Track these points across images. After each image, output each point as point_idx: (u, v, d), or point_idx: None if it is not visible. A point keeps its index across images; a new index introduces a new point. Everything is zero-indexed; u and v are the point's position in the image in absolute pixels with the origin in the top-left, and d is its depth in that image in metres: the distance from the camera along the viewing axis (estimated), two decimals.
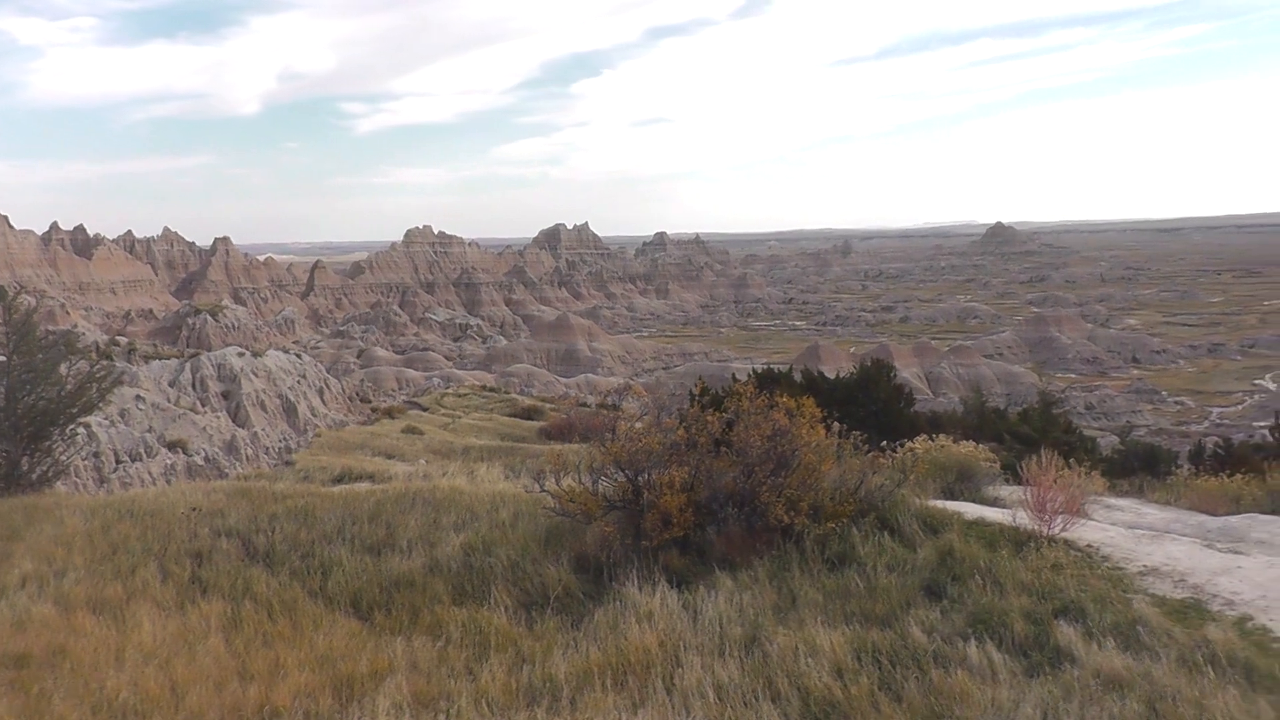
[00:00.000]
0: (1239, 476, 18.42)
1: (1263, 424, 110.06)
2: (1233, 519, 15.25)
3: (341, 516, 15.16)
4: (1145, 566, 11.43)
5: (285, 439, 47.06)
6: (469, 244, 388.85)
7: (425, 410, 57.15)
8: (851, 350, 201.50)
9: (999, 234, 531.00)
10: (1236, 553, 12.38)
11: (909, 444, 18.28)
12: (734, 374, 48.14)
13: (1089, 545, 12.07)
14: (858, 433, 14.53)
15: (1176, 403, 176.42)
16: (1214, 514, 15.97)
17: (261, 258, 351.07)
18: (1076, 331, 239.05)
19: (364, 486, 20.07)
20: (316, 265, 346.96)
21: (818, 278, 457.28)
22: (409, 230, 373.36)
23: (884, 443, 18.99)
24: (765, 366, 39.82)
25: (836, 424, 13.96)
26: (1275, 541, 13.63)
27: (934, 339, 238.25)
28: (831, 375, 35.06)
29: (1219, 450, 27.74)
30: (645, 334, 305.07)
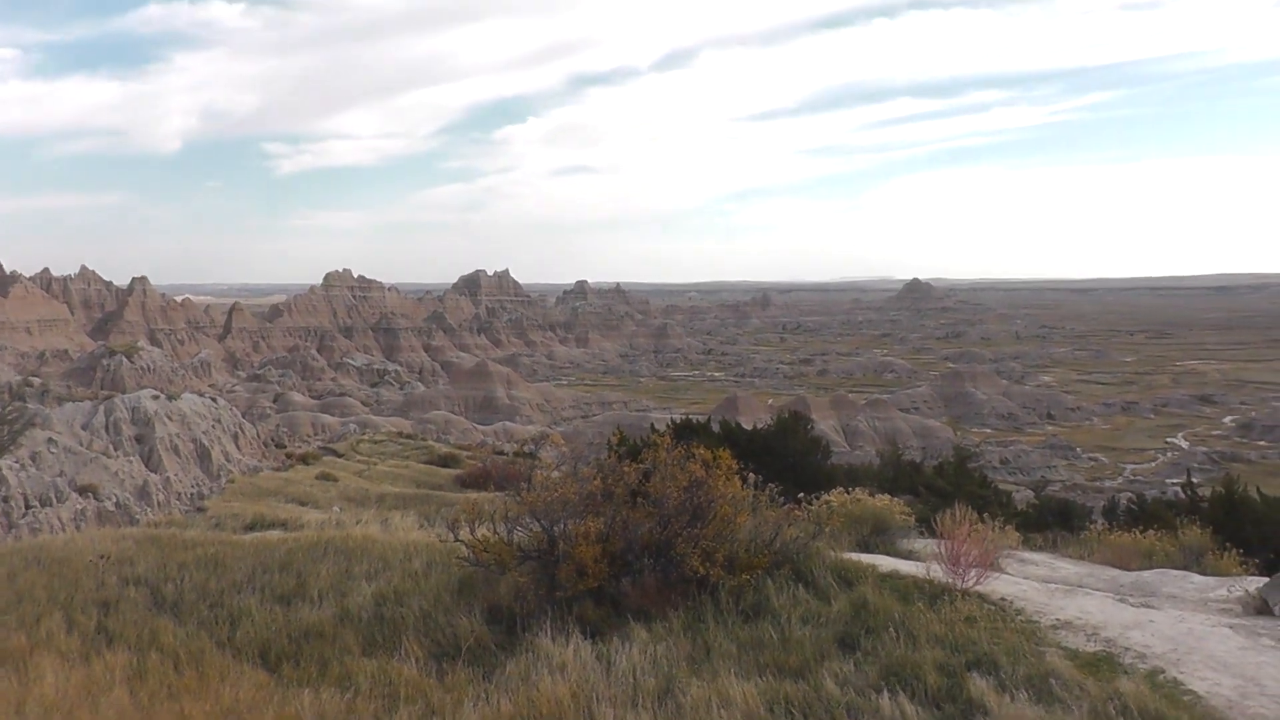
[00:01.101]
0: (1152, 532, 18.63)
1: (1175, 481, 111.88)
2: (1145, 574, 15.42)
3: (252, 565, 14.95)
4: (1059, 620, 11.49)
5: (198, 485, 46.38)
6: (388, 289, 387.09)
7: (340, 457, 56.56)
8: (769, 402, 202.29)
9: (916, 290, 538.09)
10: (1149, 607, 12.50)
11: (825, 496, 18.33)
12: (653, 424, 48.11)
13: (1003, 598, 12.12)
14: (774, 485, 14.54)
15: (1090, 459, 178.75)
16: (1127, 569, 16.14)
17: (179, 298, 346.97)
18: (992, 387, 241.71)
19: (276, 534, 19.82)
20: (234, 307, 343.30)
21: (737, 329, 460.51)
22: (328, 274, 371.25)
23: (800, 495, 19.04)
24: (684, 417, 39.82)
25: (753, 475, 13.97)
26: (1187, 596, 13.80)
27: (851, 392, 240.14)
28: (749, 426, 35.13)
29: (1132, 506, 28.06)
30: (564, 382, 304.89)
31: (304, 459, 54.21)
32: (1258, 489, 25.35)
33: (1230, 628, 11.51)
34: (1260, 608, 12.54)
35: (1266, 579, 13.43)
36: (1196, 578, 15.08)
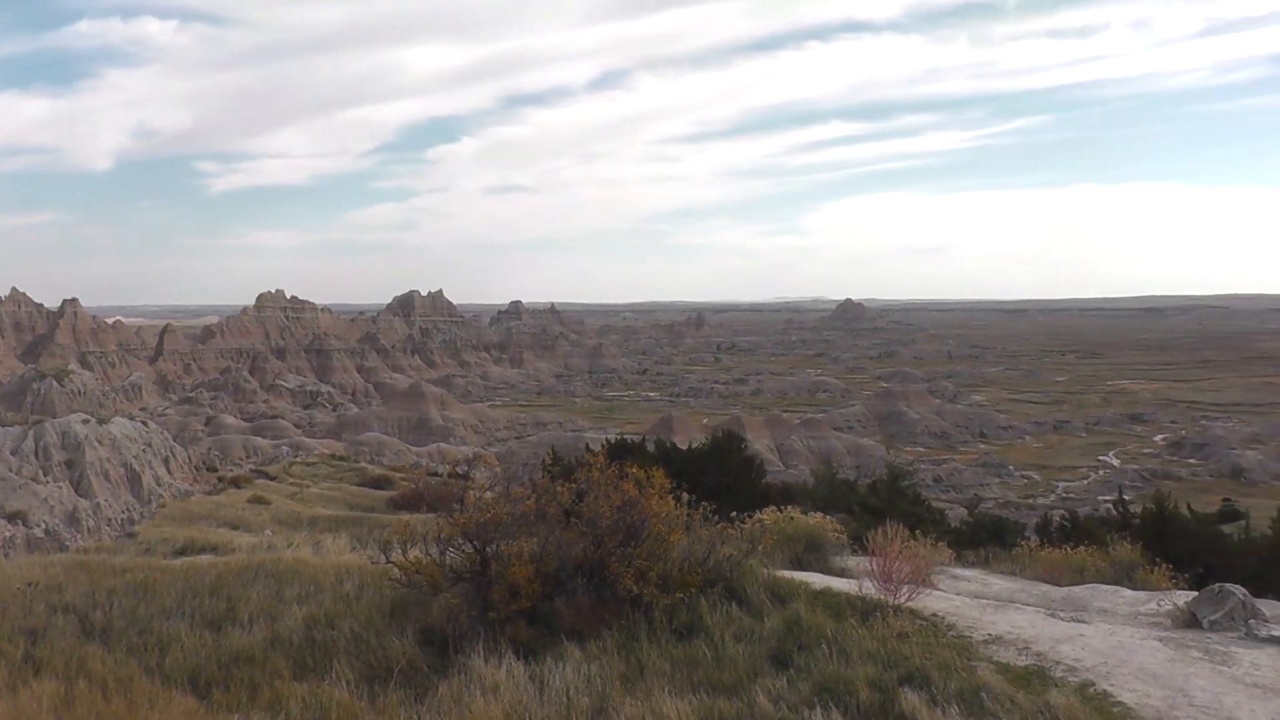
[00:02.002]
0: (1083, 548, 18.82)
1: (1107, 498, 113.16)
2: (1076, 589, 15.57)
3: (182, 590, 14.75)
4: (990, 635, 11.58)
5: (128, 510, 45.70)
6: (321, 309, 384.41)
7: (273, 479, 55.99)
8: (704, 421, 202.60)
9: (849, 310, 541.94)
10: (1079, 621, 12.62)
11: (759, 515, 18.37)
12: (587, 444, 48.03)
13: (935, 614, 12.19)
14: (708, 503, 14.56)
15: (1023, 476, 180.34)
16: (1058, 584, 16.29)
17: (110, 320, 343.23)
18: (925, 406, 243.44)
19: (206, 559, 19.60)
20: (166, 329, 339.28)
21: (671, 349, 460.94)
22: (261, 294, 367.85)
23: (734, 513, 19.06)
24: (619, 437, 39.85)
25: (686, 494, 13.98)
26: (1116, 610, 13.94)
27: (785, 411, 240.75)
28: (684, 446, 35.20)
29: (1065, 523, 28.31)
30: (499, 403, 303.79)
31: (236, 482, 53.62)
32: (1188, 505, 25.72)
33: (1160, 641, 11.65)
34: (1189, 621, 12.69)
35: (1196, 593, 13.58)
36: (1127, 592, 15.25)
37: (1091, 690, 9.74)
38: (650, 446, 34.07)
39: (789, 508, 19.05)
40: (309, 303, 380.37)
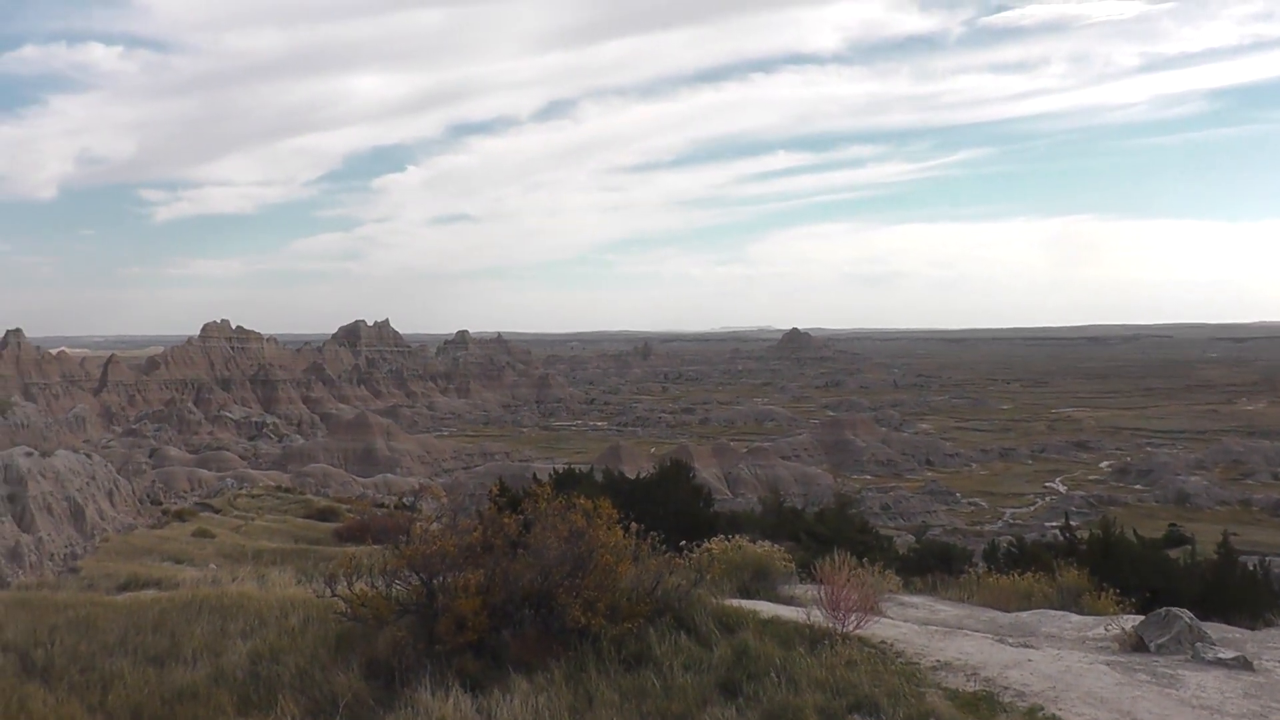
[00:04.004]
0: (1030, 574, 18.91)
1: (1054, 524, 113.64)
2: (1024, 614, 15.64)
3: (125, 626, 14.54)
4: (939, 661, 11.61)
5: (71, 545, 45.13)
6: (267, 339, 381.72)
7: (217, 512, 55.47)
8: (652, 451, 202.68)
9: (795, 339, 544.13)
10: (1027, 646, 12.67)
11: (707, 544, 18.33)
12: (535, 474, 47.92)
13: (883, 641, 12.21)
14: (656, 533, 14.51)
15: (970, 503, 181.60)
16: (1006, 610, 16.36)
17: (54, 351, 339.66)
18: (871, 435, 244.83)
19: (150, 594, 19.36)
20: (110, 360, 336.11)
21: (619, 379, 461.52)
22: (206, 324, 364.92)
23: (682, 543, 19.01)
24: (566, 467, 39.73)
25: (635, 525, 13.94)
26: (1064, 635, 14.01)
27: (733, 440, 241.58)
28: (632, 475, 35.12)
29: (1012, 549, 28.39)
30: (445, 433, 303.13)
31: (180, 515, 53.10)
32: (1134, 530, 25.90)
33: (1107, 665, 11.72)
34: (1136, 645, 12.77)
35: (1142, 617, 13.67)
36: (1074, 617, 15.34)
37: (1040, 715, 9.79)
38: (598, 476, 33.99)
39: (737, 537, 19.01)
40: (254, 333, 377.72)
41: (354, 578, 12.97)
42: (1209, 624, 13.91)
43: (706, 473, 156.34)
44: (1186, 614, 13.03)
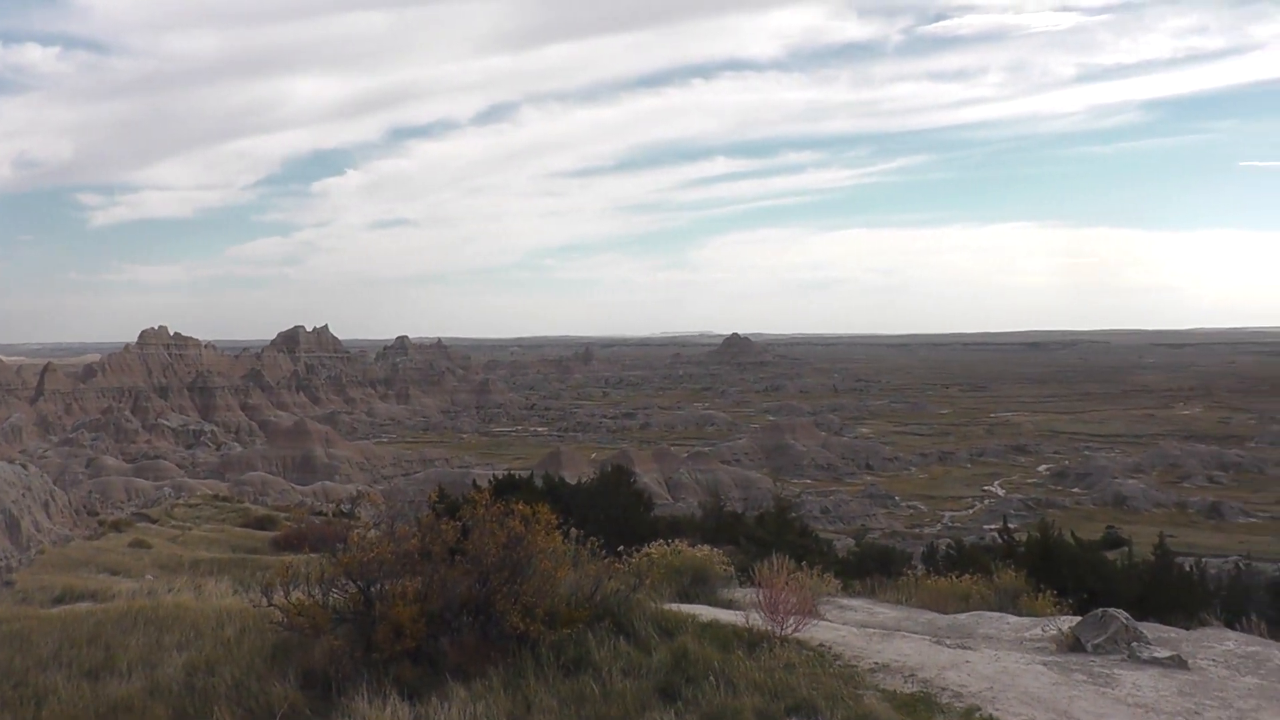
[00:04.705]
0: (968, 576, 19.03)
1: (992, 527, 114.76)
2: (961, 616, 15.73)
3: (59, 639, 14.34)
4: (877, 663, 11.65)
5: (6, 557, 44.48)
6: (205, 346, 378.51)
7: (154, 522, 54.89)
8: (593, 456, 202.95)
9: (735, 344, 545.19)
10: (965, 648, 12.74)
11: (646, 548, 18.34)
12: (475, 480, 47.78)
13: (821, 644, 12.24)
14: (596, 538, 14.50)
15: (910, 507, 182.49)
16: (944, 612, 16.44)
17: None
18: (811, 439, 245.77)
19: (85, 606, 19.12)
20: (47, 368, 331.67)
21: (559, 384, 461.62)
22: (144, 331, 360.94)
23: (622, 548, 19.02)
24: (506, 472, 39.67)
25: (574, 530, 13.92)
26: (1001, 636, 14.10)
27: (673, 445, 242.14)
28: (573, 481, 35.15)
29: (950, 551, 28.59)
30: (385, 440, 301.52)
31: (117, 526, 52.49)
32: (1072, 532, 26.13)
33: (1044, 665, 11.82)
34: (1073, 645, 12.87)
35: (1080, 618, 13.79)
36: (1012, 618, 15.44)
37: (977, 715, 9.84)
38: (538, 482, 33.98)
39: (677, 541, 19.03)
40: (192, 339, 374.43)
41: (291, 587, 12.85)
42: (1145, 624, 14.03)
43: (647, 477, 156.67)
44: (1123, 614, 13.15)
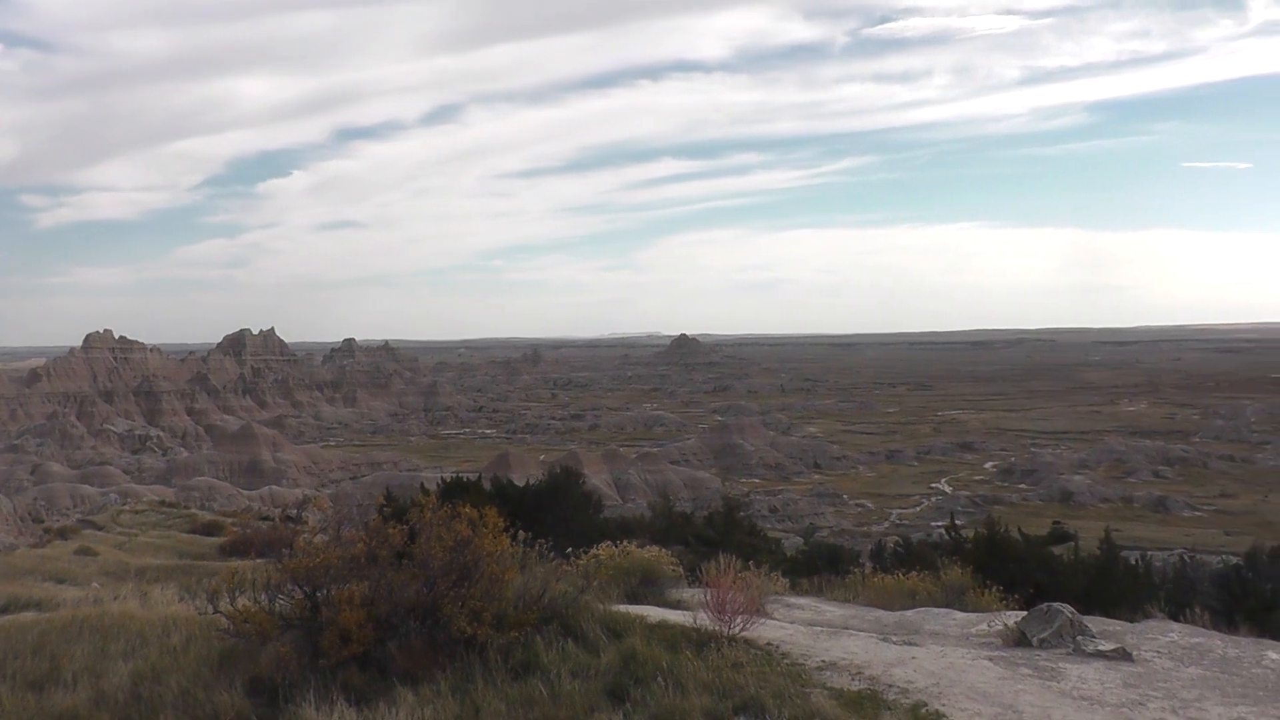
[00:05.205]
0: (915, 573, 19.12)
1: (939, 524, 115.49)
2: (908, 613, 15.83)
3: (3, 650, 14.16)
4: (824, 661, 11.69)
5: None
6: (151, 349, 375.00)
7: (100, 529, 54.42)
8: (541, 457, 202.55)
9: (683, 345, 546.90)
10: (911, 644, 12.81)
11: (595, 550, 18.33)
12: (423, 483, 47.61)
13: (769, 643, 12.27)
14: (545, 540, 14.49)
15: (858, 505, 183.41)
16: (891, 609, 16.52)
17: None
18: (759, 439, 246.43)
19: (30, 616, 18.88)
20: None
21: (508, 386, 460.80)
22: (89, 335, 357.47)
23: (571, 549, 19.01)
24: (455, 475, 39.53)
25: (523, 533, 13.91)
26: (948, 632, 14.19)
27: (622, 446, 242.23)
28: (521, 483, 35.04)
29: (898, 549, 28.74)
30: (332, 443, 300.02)
31: (62, 533, 52.08)
32: (1018, 529, 26.28)
33: (990, 660, 11.92)
34: (1019, 640, 12.99)
35: (1025, 613, 13.90)
36: (958, 615, 15.55)
37: (924, 711, 9.90)
38: (487, 484, 33.87)
39: (625, 542, 19.03)
40: (138, 343, 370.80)
41: (237, 593, 12.77)
42: (1091, 618, 14.17)
43: (596, 479, 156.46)
44: (1068, 608, 13.28)
